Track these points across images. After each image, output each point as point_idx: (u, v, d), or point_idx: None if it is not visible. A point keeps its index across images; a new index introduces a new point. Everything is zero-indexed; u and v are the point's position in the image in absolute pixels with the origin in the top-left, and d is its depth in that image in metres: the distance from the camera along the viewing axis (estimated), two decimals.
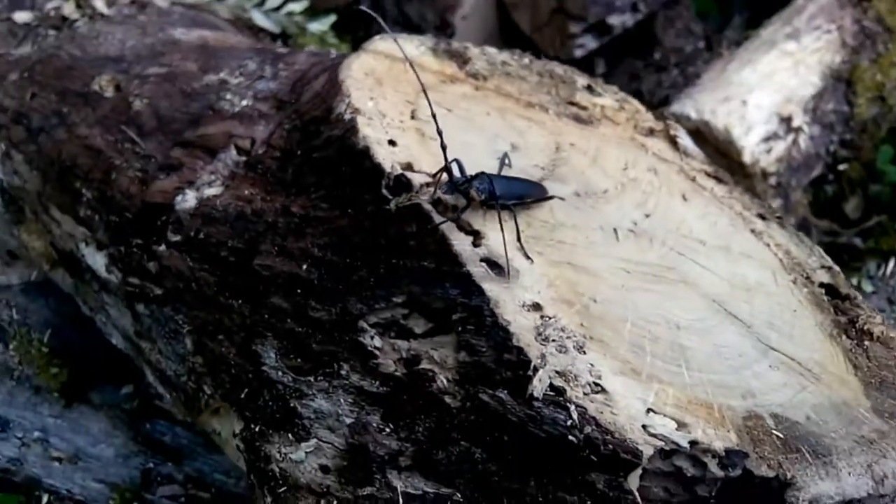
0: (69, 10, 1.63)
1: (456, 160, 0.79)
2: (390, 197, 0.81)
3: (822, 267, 0.88)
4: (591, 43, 1.94)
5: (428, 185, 0.81)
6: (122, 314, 1.15)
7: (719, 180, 0.96)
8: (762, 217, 0.92)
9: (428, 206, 0.78)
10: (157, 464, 1.43)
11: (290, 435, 0.86)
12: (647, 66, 2.00)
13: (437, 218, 0.77)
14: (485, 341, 0.72)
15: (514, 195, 0.79)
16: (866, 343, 0.81)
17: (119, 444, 1.47)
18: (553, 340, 0.71)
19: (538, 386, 0.68)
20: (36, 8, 1.65)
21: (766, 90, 1.49)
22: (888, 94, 1.52)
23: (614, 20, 1.89)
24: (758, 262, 0.86)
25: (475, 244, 0.76)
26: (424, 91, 0.78)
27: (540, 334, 0.71)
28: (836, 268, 0.88)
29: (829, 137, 1.51)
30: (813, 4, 1.59)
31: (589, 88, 1.02)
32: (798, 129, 1.47)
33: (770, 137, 1.47)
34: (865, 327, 0.82)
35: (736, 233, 0.89)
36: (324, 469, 0.82)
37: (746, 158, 1.45)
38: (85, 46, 1.45)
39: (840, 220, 1.79)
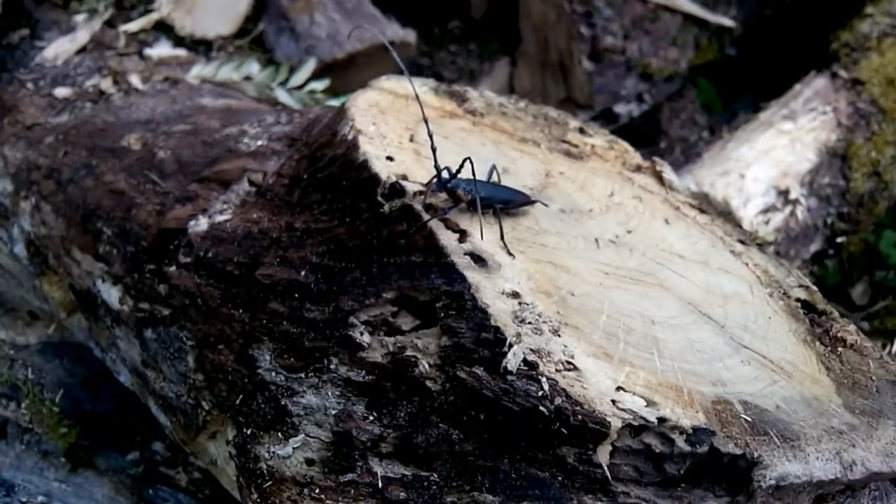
0: (106, 85, 1.76)
1: (447, 167, 0.84)
2: (385, 202, 0.86)
3: (800, 286, 0.91)
4: None
5: (420, 192, 0.86)
6: (131, 345, 1.20)
7: (702, 211, 1.00)
8: (742, 242, 0.96)
9: (419, 207, 0.83)
10: None
11: (279, 434, 0.88)
12: (652, 154, 2.08)
13: (427, 216, 0.82)
14: (465, 323, 0.75)
15: (500, 199, 0.85)
16: (840, 349, 0.83)
17: None
18: (529, 323, 0.74)
19: (512, 360, 0.71)
20: (76, 85, 1.78)
21: (764, 165, 1.55)
22: (883, 170, 1.57)
23: (620, 109, 1.98)
24: (735, 277, 0.89)
25: (461, 240, 0.81)
26: (420, 103, 0.85)
27: (517, 317, 0.75)
28: (814, 288, 0.91)
29: (826, 210, 1.56)
30: (809, 89, 1.67)
31: (581, 130, 1.09)
32: (795, 202, 1.52)
33: (768, 209, 1.52)
34: (839, 335, 0.84)
35: (715, 252, 0.93)
36: (309, 462, 0.84)
37: (745, 228, 1.50)
38: (118, 113, 1.56)
39: (847, 304, 1.82)
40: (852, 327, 0.85)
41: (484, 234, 0.81)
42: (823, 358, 0.82)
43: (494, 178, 0.91)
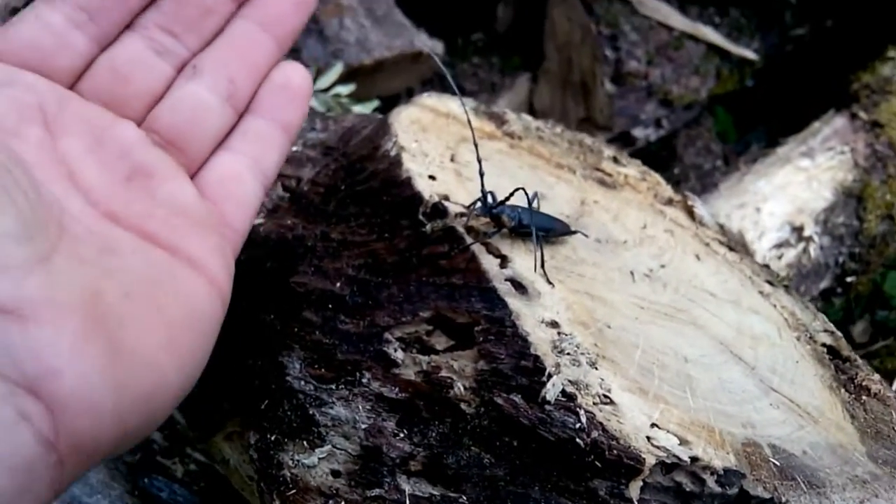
0: None
1: (491, 192, 0.85)
2: (426, 221, 0.87)
3: (826, 331, 0.93)
4: None
5: (462, 214, 0.88)
6: None
7: (731, 248, 1.02)
8: (770, 283, 0.98)
9: (461, 230, 0.85)
10: None
11: (304, 442, 0.89)
12: (667, 181, 2.10)
13: (469, 239, 0.83)
14: (504, 349, 0.77)
15: (542, 226, 0.86)
16: (864, 398, 0.85)
17: (115, 496, 1.47)
18: (568, 353, 0.76)
19: (551, 390, 0.73)
20: None
21: (780, 200, 1.58)
22: None
23: (638, 133, 2.00)
24: (764, 318, 0.91)
25: (502, 266, 0.82)
26: (471, 126, 0.87)
27: (556, 347, 0.76)
28: (839, 333, 0.93)
29: (838, 249, 1.58)
30: (828, 127, 1.69)
31: (614, 159, 1.10)
32: (809, 239, 1.55)
33: (782, 244, 1.54)
34: (864, 383, 0.86)
35: (745, 291, 0.94)
36: (335, 473, 0.85)
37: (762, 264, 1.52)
38: None
39: (847, 342, 1.84)
40: (876, 376, 0.87)
41: (525, 262, 0.83)
42: (848, 405, 0.84)
43: (535, 204, 0.92)
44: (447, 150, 0.99)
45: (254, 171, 0.84)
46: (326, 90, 1.79)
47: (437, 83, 2.15)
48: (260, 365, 0.96)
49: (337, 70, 1.74)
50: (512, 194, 0.81)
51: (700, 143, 2.06)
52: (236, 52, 0.85)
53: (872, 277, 1.66)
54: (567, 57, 1.99)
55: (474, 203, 0.87)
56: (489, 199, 0.85)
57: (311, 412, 0.89)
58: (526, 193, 0.83)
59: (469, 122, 0.86)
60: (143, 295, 0.69)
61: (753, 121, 2.19)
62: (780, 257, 1.54)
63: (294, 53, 1.88)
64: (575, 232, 0.89)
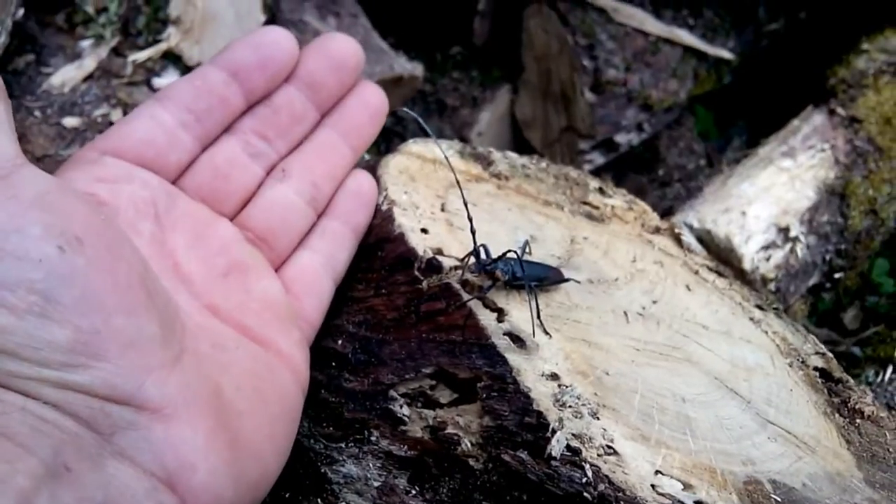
0: (116, 115, 1.78)
1: (483, 245, 0.88)
2: (422, 278, 0.89)
3: (817, 353, 0.96)
4: (598, 159, 2.07)
5: (456, 267, 0.90)
6: None
7: (720, 274, 1.04)
8: (760, 307, 1.00)
9: (457, 285, 0.87)
10: None
11: (318, 500, 0.91)
12: (651, 182, 2.13)
13: (465, 295, 0.85)
14: (507, 406, 0.79)
15: (535, 277, 0.88)
16: (858, 421, 0.88)
17: None
18: (570, 406, 0.78)
19: (556, 446, 0.75)
20: (84, 114, 1.80)
21: (765, 202, 1.60)
22: (880, 208, 1.62)
23: (621, 138, 2.02)
24: (756, 346, 0.94)
25: (499, 319, 0.85)
26: (458, 182, 0.89)
27: (558, 400, 0.78)
28: (830, 354, 0.95)
29: (825, 247, 1.61)
30: (807, 125, 1.71)
31: (600, 190, 1.12)
32: (795, 239, 1.57)
33: (769, 246, 1.57)
34: (857, 406, 0.88)
35: (736, 320, 0.97)
36: None
37: (746, 265, 1.54)
38: None
39: (839, 330, 1.87)
40: (869, 397, 0.89)
41: (521, 313, 0.85)
42: (843, 430, 0.87)
43: (526, 252, 0.94)
44: (437, 198, 1.01)
45: (327, 269, 0.92)
46: None
47: (419, 100, 2.17)
48: None
49: None
50: (503, 255, 0.83)
51: (682, 144, 2.08)
52: (320, 158, 0.94)
53: (860, 271, 1.69)
54: (546, 68, 2.01)
55: (468, 256, 0.89)
56: (482, 253, 0.87)
57: (322, 470, 0.91)
58: (516, 252, 0.85)
59: (458, 183, 0.88)
60: (251, 388, 0.75)
61: (733, 117, 2.21)
62: (768, 259, 1.57)
63: None
64: (568, 280, 0.91)
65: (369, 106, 0.98)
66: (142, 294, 0.65)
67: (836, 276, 1.65)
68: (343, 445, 0.90)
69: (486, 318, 0.84)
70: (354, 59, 0.95)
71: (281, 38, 0.89)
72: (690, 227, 1.56)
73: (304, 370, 0.86)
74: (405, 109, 0.93)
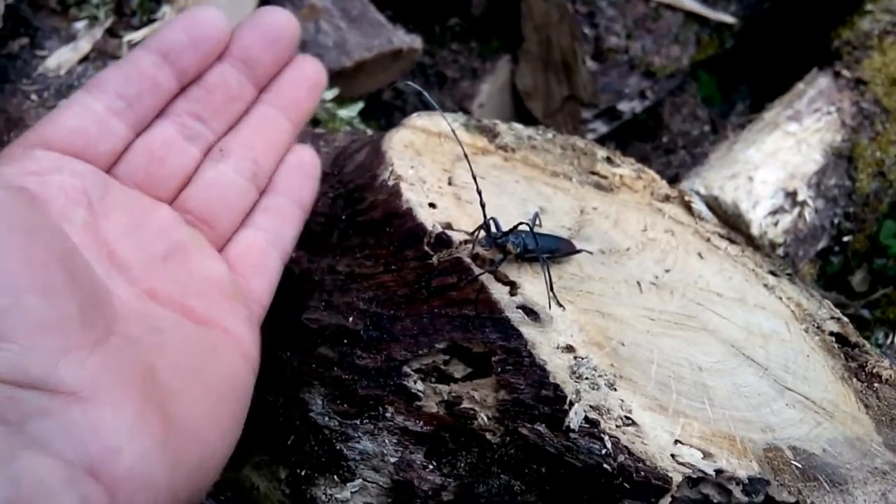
0: None
1: (493, 218, 0.86)
2: (432, 253, 0.88)
3: (832, 318, 0.95)
4: (602, 128, 2.06)
5: (466, 241, 0.89)
6: None
7: (732, 241, 1.03)
8: (773, 273, 0.99)
9: (468, 260, 0.86)
10: None
11: (335, 477, 0.91)
12: (655, 149, 2.11)
13: (477, 269, 0.85)
14: (523, 380, 0.78)
15: (547, 249, 0.87)
16: (876, 385, 0.87)
17: None
18: (586, 378, 0.77)
19: (574, 418, 0.74)
20: None
21: (771, 167, 1.59)
22: (888, 169, 1.61)
23: (623, 106, 2.00)
24: (771, 313, 0.93)
25: (512, 293, 0.84)
26: (465, 155, 0.87)
27: (574, 373, 0.78)
28: (845, 319, 0.95)
29: (833, 210, 1.60)
30: (812, 89, 1.70)
31: (608, 160, 1.11)
32: (803, 203, 1.56)
33: (776, 211, 1.56)
34: (875, 370, 0.88)
35: (750, 287, 0.96)
36: None
37: (755, 231, 1.53)
38: None
39: (847, 293, 1.87)
40: (886, 361, 0.89)
41: (534, 286, 0.84)
42: (861, 395, 0.86)
43: (536, 224, 0.93)
44: (444, 172, 0.99)
45: (275, 246, 0.91)
46: None
47: (418, 73, 2.15)
48: (282, 402, 0.98)
49: None
50: (515, 228, 0.82)
51: (686, 110, 2.07)
52: (259, 134, 0.92)
53: (868, 234, 1.68)
54: (546, 37, 1.99)
55: (478, 229, 0.88)
56: (492, 226, 0.86)
57: (338, 447, 0.91)
58: (528, 225, 0.84)
59: (466, 157, 0.87)
60: (190, 368, 0.73)
61: (737, 82, 2.19)
62: (776, 224, 1.56)
63: None
64: (580, 251, 0.90)
65: (307, 79, 0.96)
66: (60, 274, 0.63)
67: (845, 239, 1.64)
68: (358, 422, 0.90)
69: (499, 291, 0.83)
70: (290, 32, 0.92)
71: (212, 17, 0.87)
72: (697, 194, 1.55)
73: (253, 348, 0.84)
74: (407, 83, 0.92)
